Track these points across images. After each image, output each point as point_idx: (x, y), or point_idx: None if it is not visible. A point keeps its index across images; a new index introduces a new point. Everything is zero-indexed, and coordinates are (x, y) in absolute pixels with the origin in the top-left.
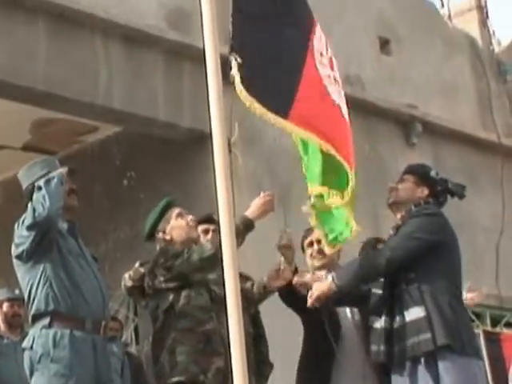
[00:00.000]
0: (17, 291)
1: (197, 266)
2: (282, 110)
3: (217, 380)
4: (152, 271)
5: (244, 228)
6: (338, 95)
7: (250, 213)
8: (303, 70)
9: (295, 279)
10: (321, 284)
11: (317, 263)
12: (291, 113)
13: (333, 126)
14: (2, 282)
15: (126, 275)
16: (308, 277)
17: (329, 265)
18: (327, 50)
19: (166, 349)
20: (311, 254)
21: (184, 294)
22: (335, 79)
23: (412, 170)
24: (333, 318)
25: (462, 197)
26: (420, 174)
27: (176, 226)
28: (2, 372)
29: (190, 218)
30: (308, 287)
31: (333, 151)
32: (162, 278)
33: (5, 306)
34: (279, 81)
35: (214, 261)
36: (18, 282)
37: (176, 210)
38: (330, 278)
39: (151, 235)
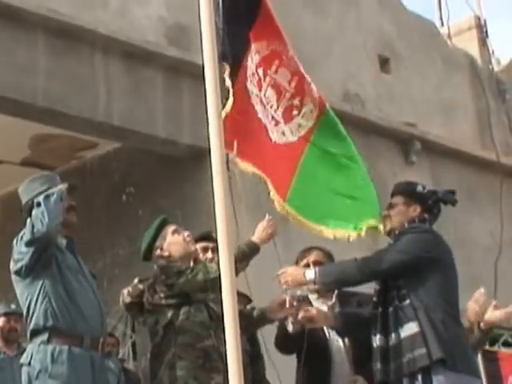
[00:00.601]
0: (13, 306)
1: (201, 286)
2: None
3: None
4: (152, 287)
5: (249, 251)
6: (264, 116)
7: (255, 237)
8: (236, 84)
9: (301, 314)
10: (299, 274)
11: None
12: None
13: (261, 148)
14: (2, 298)
15: (125, 291)
16: (314, 312)
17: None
18: (263, 67)
19: (166, 364)
20: None
21: (183, 310)
22: (261, 100)
23: (399, 191)
24: (322, 343)
25: (454, 203)
26: (408, 192)
27: (173, 241)
28: None
29: (186, 233)
30: (314, 323)
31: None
32: (162, 295)
33: (1, 321)
34: None
35: (218, 283)
36: (15, 298)
37: (171, 227)
38: (312, 273)
39: (148, 253)
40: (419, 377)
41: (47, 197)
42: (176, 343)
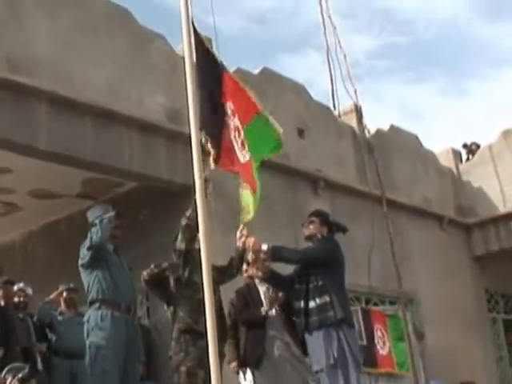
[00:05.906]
0: (71, 284)
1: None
2: (217, 159)
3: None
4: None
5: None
6: (236, 146)
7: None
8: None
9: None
10: (258, 244)
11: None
12: (221, 161)
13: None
14: (65, 280)
15: (145, 272)
16: (253, 239)
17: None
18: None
19: (173, 306)
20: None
21: (188, 269)
22: (235, 137)
23: (317, 214)
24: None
25: (345, 232)
26: (323, 218)
27: None
28: (62, 336)
29: None
30: (253, 247)
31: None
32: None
33: (65, 294)
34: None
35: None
36: (74, 279)
37: None
38: (266, 246)
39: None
40: (328, 328)
41: (101, 220)
42: (181, 295)
